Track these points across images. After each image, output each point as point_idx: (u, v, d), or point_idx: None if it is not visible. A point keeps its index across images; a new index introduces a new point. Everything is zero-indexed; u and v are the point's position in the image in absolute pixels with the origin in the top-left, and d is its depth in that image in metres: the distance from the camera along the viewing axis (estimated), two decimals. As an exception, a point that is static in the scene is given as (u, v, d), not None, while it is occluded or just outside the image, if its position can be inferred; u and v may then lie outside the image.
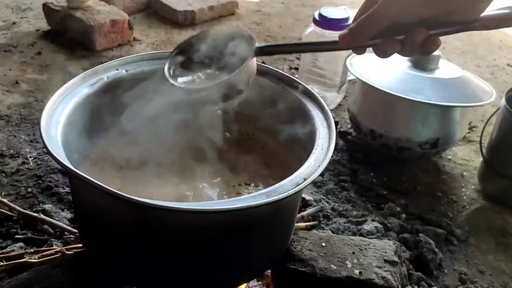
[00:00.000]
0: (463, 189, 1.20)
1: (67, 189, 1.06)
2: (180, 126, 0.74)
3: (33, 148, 1.22)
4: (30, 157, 1.17)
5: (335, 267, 0.71)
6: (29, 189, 1.06)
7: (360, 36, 0.59)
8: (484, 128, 1.18)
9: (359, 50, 0.62)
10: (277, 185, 0.58)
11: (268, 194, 0.56)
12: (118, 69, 0.78)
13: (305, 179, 0.59)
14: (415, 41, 0.58)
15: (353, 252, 0.74)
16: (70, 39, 1.72)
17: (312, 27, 1.41)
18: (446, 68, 1.24)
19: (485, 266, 0.98)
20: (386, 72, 1.24)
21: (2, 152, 1.18)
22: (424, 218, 1.07)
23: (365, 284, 0.70)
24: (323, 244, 0.75)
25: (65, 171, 0.93)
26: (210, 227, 0.60)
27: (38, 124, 0.66)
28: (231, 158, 0.75)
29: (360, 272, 0.71)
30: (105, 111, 0.74)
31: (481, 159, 1.29)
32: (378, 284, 0.70)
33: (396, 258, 0.75)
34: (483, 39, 2.06)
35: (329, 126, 0.68)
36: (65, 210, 1.01)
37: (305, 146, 0.68)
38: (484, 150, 1.17)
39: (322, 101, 0.72)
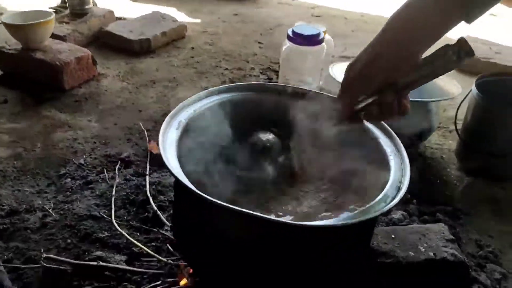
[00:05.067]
0: (448, 170, 1.39)
1: (107, 233, 1.06)
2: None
3: (45, 199, 1.17)
4: (49, 208, 1.13)
5: (413, 254, 0.83)
6: (68, 240, 1.03)
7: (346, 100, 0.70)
8: (456, 114, 1.38)
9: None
10: (372, 203, 0.66)
11: (367, 211, 0.64)
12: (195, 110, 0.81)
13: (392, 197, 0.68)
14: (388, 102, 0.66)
15: (419, 238, 0.86)
16: (31, 82, 1.65)
17: (288, 44, 1.52)
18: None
19: (491, 231, 1.16)
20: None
21: (15, 209, 1.12)
22: (430, 200, 1.23)
23: (441, 262, 0.82)
24: (393, 236, 0.86)
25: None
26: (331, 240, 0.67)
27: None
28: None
29: (434, 254, 0.83)
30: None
31: (451, 141, 1.49)
32: (451, 260, 0.82)
33: (452, 236, 0.88)
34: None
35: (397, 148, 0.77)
36: (116, 253, 1.00)
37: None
38: (460, 133, 1.37)
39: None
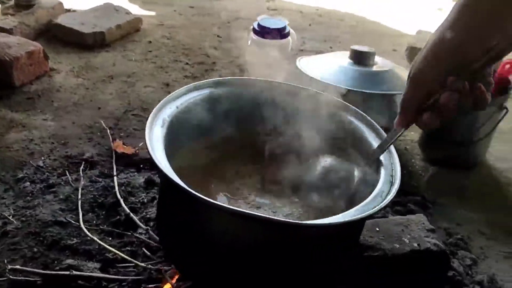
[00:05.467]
0: (413, 161, 1.42)
1: (76, 240, 0.99)
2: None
3: (3, 206, 1.09)
4: (9, 215, 1.05)
5: (398, 245, 0.83)
6: (34, 249, 0.96)
7: (408, 115, 0.66)
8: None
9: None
10: (362, 204, 0.66)
11: (364, 209, 0.64)
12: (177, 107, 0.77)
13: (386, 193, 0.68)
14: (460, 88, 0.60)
15: (402, 230, 0.87)
16: (-23, 78, 1.52)
17: (253, 37, 1.50)
18: (380, 62, 1.44)
19: (458, 219, 1.21)
20: (333, 70, 1.39)
21: (-31, 218, 1.03)
22: (400, 191, 1.25)
23: (425, 253, 0.83)
24: (377, 229, 0.87)
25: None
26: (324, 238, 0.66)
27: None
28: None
29: (418, 244, 0.84)
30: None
31: (413, 132, 1.54)
32: (434, 250, 0.84)
33: (432, 226, 0.90)
34: (366, 31, 2.38)
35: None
36: (88, 260, 0.94)
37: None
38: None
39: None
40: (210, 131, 0.80)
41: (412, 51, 2.09)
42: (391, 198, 0.65)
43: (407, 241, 0.84)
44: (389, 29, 2.46)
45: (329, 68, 1.38)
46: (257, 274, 0.66)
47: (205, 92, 0.81)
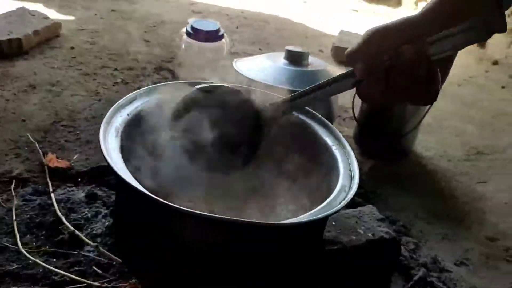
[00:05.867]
0: (350, 155, 1.48)
1: (16, 265, 0.91)
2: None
3: None
4: None
5: (354, 237, 0.86)
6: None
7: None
8: (353, 100, 1.48)
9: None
10: (329, 199, 0.67)
11: (328, 208, 0.65)
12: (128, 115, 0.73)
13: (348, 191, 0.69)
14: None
15: (356, 222, 0.91)
16: None
17: (188, 41, 1.47)
18: (314, 62, 1.48)
19: (398, 207, 1.28)
20: (271, 71, 1.41)
21: None
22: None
23: (380, 242, 0.87)
24: (333, 223, 0.89)
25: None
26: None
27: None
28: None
29: (372, 234, 0.88)
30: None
31: (346, 128, 1.60)
32: (387, 238, 0.88)
33: (382, 216, 0.94)
34: (292, 32, 2.44)
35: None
36: (33, 286, 0.87)
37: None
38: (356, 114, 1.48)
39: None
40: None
41: (336, 51, 2.19)
42: (354, 192, 0.67)
43: (362, 232, 0.88)
44: (313, 30, 2.55)
45: (266, 69, 1.40)
46: (223, 277, 0.65)
47: (152, 98, 0.78)
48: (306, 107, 0.88)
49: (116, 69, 1.77)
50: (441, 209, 1.31)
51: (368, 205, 1.01)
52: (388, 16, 2.99)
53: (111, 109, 0.72)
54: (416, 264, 1.08)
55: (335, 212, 0.62)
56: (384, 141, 1.44)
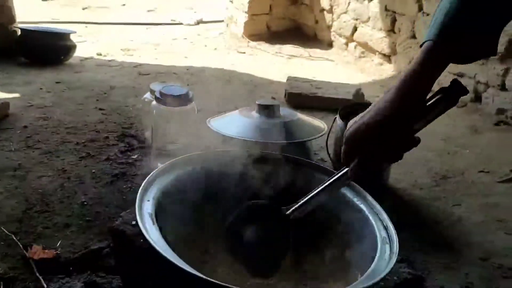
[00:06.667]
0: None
1: None
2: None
3: None
4: None
5: (383, 283, 0.87)
6: None
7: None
8: (327, 142, 1.54)
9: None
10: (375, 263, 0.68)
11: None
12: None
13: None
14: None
15: (378, 267, 0.92)
16: None
17: (158, 107, 1.45)
18: (286, 113, 1.52)
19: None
20: (247, 126, 1.42)
21: None
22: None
23: (405, 283, 0.89)
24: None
25: None
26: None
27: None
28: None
29: (397, 277, 0.89)
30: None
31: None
32: (409, 278, 0.90)
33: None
34: (242, 83, 2.50)
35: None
36: None
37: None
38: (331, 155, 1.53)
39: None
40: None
41: (290, 96, 2.26)
42: (395, 259, 0.67)
43: (388, 277, 0.89)
44: (259, 79, 2.62)
45: (241, 125, 1.41)
46: None
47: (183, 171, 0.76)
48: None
49: (77, 143, 1.70)
50: (432, 236, 1.36)
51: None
52: (321, 56, 3.15)
53: (142, 185, 0.69)
54: (429, 297, 1.11)
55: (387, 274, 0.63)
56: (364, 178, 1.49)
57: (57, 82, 2.26)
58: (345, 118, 1.51)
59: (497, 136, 2.09)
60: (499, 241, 1.38)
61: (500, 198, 1.61)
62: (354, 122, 0.68)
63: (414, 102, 0.64)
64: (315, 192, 0.75)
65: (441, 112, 0.66)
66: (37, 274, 1.06)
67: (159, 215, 0.65)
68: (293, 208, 0.74)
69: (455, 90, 0.64)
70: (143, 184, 0.68)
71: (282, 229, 0.72)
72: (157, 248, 0.56)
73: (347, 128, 0.69)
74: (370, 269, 0.63)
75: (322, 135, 1.46)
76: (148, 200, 0.65)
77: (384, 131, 0.65)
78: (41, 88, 2.16)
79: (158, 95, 1.45)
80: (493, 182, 1.71)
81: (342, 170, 0.74)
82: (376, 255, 0.67)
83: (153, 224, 0.61)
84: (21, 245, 1.16)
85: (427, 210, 1.51)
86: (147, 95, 1.65)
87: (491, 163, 1.82)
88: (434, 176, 1.73)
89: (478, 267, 1.25)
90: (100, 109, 2.00)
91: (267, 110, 1.46)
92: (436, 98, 0.65)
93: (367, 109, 0.68)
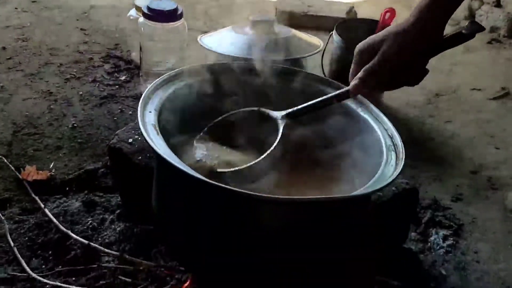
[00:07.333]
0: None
1: None
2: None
3: None
4: None
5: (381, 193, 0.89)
6: None
7: (370, 83, 0.69)
8: (322, 60, 1.50)
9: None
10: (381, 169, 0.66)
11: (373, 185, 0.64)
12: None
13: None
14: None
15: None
16: None
17: (147, 23, 1.37)
18: (281, 29, 1.45)
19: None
20: (237, 42, 1.36)
21: None
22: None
23: (403, 192, 0.90)
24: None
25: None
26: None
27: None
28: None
29: (396, 187, 0.90)
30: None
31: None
32: (407, 187, 0.92)
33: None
34: (231, 2, 2.38)
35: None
36: None
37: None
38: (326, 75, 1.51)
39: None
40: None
41: (282, 15, 2.17)
42: (402, 164, 0.66)
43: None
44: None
45: (235, 42, 1.35)
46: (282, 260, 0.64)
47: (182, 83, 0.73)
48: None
49: (61, 64, 1.63)
50: (425, 152, 1.38)
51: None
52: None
53: (143, 94, 0.65)
54: (420, 207, 1.14)
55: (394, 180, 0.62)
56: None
57: (33, 1, 2.11)
58: (342, 35, 1.46)
59: (489, 54, 2.06)
60: (490, 156, 1.40)
61: (492, 114, 1.62)
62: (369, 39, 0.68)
63: (433, 33, 0.65)
64: (313, 102, 0.73)
65: (455, 45, 0.67)
66: (33, 195, 1.05)
67: (161, 125, 0.62)
68: (287, 112, 0.73)
69: (473, 28, 0.64)
70: (143, 96, 0.64)
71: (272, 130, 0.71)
72: (168, 158, 0.54)
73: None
74: (377, 175, 0.63)
75: (318, 52, 1.41)
76: (150, 112, 0.62)
77: (400, 60, 0.66)
78: (16, 8, 2.02)
79: (145, 10, 1.37)
80: (485, 99, 1.71)
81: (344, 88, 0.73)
82: (382, 162, 0.66)
83: (158, 134, 0.59)
84: (12, 167, 1.13)
85: (420, 128, 1.52)
86: (132, 12, 1.56)
87: (483, 81, 1.81)
88: (427, 94, 1.72)
89: (468, 179, 1.28)
90: (82, 29, 1.89)
91: (261, 26, 1.39)
92: (453, 33, 0.66)
93: (382, 32, 0.67)
